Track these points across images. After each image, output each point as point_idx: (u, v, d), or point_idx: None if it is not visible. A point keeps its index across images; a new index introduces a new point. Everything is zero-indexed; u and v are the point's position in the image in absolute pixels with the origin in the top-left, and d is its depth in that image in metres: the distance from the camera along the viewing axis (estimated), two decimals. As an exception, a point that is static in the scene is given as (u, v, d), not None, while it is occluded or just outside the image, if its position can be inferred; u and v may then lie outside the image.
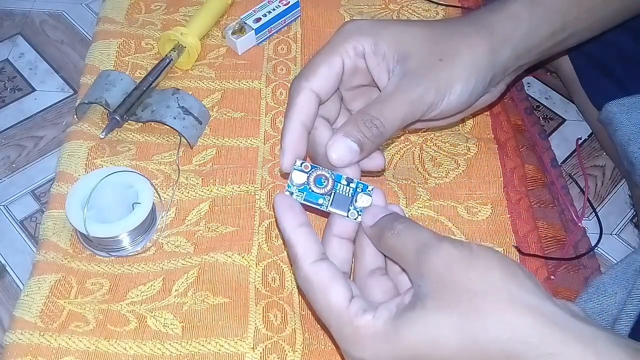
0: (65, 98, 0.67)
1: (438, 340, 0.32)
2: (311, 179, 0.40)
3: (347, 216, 0.40)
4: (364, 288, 0.38)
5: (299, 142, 0.41)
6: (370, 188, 0.40)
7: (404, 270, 0.37)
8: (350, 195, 0.40)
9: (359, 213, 0.39)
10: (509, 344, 0.31)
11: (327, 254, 0.39)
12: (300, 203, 0.39)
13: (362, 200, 0.39)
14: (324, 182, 0.40)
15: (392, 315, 0.34)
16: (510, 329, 0.31)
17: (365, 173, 0.43)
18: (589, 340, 0.30)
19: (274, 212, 0.39)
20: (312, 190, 0.40)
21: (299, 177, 0.40)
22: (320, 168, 0.40)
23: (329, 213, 0.40)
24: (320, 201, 0.40)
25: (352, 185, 0.40)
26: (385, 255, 0.39)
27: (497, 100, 0.49)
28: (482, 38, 0.43)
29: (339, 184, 0.40)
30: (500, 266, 0.33)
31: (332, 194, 0.40)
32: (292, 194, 0.40)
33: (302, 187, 0.40)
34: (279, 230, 0.39)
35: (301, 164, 0.40)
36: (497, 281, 0.32)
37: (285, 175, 0.48)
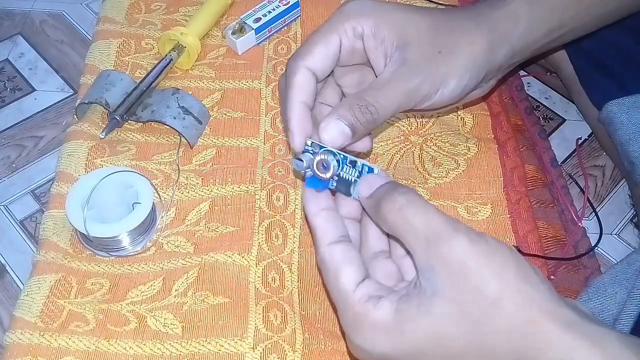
0: (65, 98, 0.67)
1: (445, 338, 0.32)
2: (315, 162, 0.39)
3: (352, 195, 0.39)
4: (367, 271, 0.38)
5: (305, 120, 0.40)
6: (376, 170, 0.39)
7: (407, 252, 0.36)
8: (354, 178, 0.39)
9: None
10: (520, 348, 0.31)
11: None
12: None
13: None
14: (328, 165, 0.39)
15: (394, 307, 0.33)
16: (521, 333, 0.31)
17: (352, 154, 0.43)
18: (598, 342, 0.30)
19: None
20: (317, 173, 0.39)
21: (298, 166, 0.39)
22: (327, 148, 0.39)
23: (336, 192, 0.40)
24: (324, 179, 0.39)
25: (358, 166, 0.39)
26: (387, 235, 0.39)
27: (486, 95, 0.50)
28: (482, 35, 0.43)
29: (345, 166, 0.39)
30: (516, 267, 0.32)
31: (337, 175, 0.39)
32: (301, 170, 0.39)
33: (308, 169, 0.39)
34: (306, 217, 0.39)
35: (311, 143, 0.40)
36: (512, 283, 0.31)
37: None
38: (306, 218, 0.39)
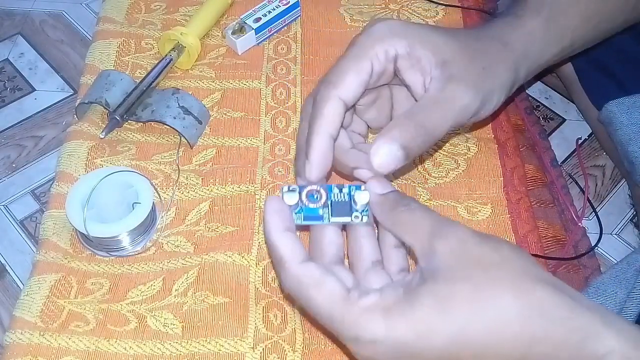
0: (65, 98, 0.67)
1: (452, 311, 0.32)
2: (303, 196, 0.38)
3: (352, 220, 0.38)
4: (363, 282, 0.37)
5: (327, 154, 0.40)
6: (363, 187, 0.39)
7: (409, 246, 0.36)
8: (347, 199, 0.38)
9: (362, 213, 0.38)
10: (522, 312, 0.31)
11: (323, 242, 0.38)
12: (302, 224, 0.38)
13: (361, 198, 0.38)
14: (317, 196, 0.38)
15: (401, 293, 0.33)
16: (523, 297, 0.31)
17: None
18: (595, 308, 0.32)
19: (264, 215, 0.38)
20: (309, 207, 0.38)
21: (290, 199, 0.38)
22: (307, 185, 0.39)
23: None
24: (320, 212, 0.38)
25: (345, 190, 0.38)
26: (388, 230, 0.38)
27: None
28: (508, 54, 0.43)
29: (332, 194, 0.38)
30: (509, 246, 0.34)
31: (329, 204, 0.38)
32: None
33: (298, 208, 0.38)
34: (264, 234, 0.37)
35: (288, 188, 0.38)
36: (509, 255, 0.33)
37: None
38: (266, 238, 0.37)
